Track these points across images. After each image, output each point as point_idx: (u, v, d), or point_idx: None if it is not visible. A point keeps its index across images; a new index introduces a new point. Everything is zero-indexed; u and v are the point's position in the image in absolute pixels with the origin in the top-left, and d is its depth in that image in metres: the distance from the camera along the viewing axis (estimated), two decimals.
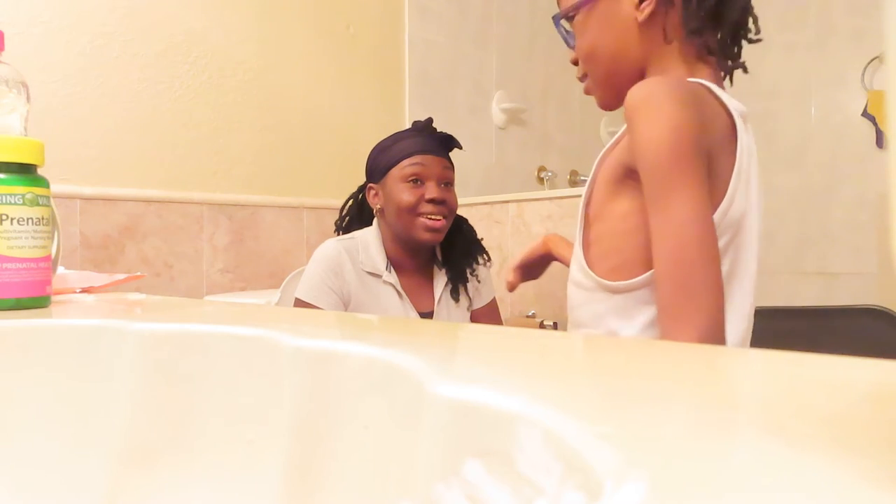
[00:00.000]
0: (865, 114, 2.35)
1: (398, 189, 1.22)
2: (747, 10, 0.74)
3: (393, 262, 1.27)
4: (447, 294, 1.30)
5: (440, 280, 1.30)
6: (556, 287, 1.70)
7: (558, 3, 0.81)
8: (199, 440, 0.37)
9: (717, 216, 0.65)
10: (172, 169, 1.74)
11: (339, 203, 1.42)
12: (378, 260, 1.25)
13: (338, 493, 0.29)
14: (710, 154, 0.65)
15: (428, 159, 1.23)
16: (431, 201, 1.20)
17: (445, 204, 1.23)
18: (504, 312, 1.74)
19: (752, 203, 0.70)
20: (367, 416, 0.29)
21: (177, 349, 0.38)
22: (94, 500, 0.38)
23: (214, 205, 1.80)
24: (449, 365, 0.27)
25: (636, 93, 0.64)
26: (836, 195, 2.42)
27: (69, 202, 1.55)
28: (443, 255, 1.33)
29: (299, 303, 1.20)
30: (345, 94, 2.10)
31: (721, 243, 0.65)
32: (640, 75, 0.76)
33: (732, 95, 0.73)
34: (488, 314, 1.37)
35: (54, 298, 0.60)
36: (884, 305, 1.42)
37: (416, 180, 1.22)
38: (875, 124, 2.34)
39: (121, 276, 0.76)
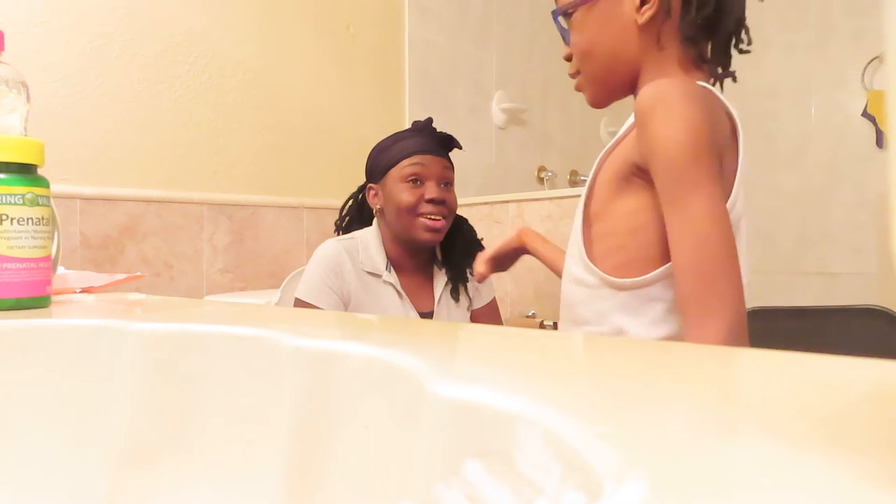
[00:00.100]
0: (865, 114, 2.35)
1: (398, 189, 1.22)
2: (741, 22, 0.75)
3: (393, 262, 1.27)
4: (447, 294, 1.30)
5: (440, 280, 1.30)
6: (556, 287, 1.70)
7: (557, 1, 0.81)
8: (199, 440, 0.37)
9: None
10: (172, 169, 1.74)
11: (339, 203, 1.42)
12: (378, 260, 1.25)
13: (338, 493, 0.29)
14: (720, 155, 0.67)
15: (428, 159, 1.23)
16: (431, 201, 1.20)
17: (445, 204, 1.23)
18: (504, 312, 1.74)
19: (744, 208, 0.71)
20: (367, 416, 0.29)
21: (177, 349, 0.38)
22: (94, 500, 0.38)
23: (214, 205, 1.80)
24: (449, 365, 0.27)
25: (650, 93, 0.66)
26: (836, 195, 2.42)
27: (69, 202, 1.55)
28: (443, 255, 1.33)
29: (299, 303, 1.20)
30: (345, 94, 2.10)
31: None
32: (634, 77, 0.77)
33: (734, 95, 0.74)
34: (488, 314, 1.37)
35: (54, 298, 0.60)
36: (884, 305, 1.42)
37: (416, 180, 1.22)
38: (875, 124, 2.34)
39: (121, 276, 0.76)
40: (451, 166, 1.27)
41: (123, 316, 0.44)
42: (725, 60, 0.77)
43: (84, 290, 0.70)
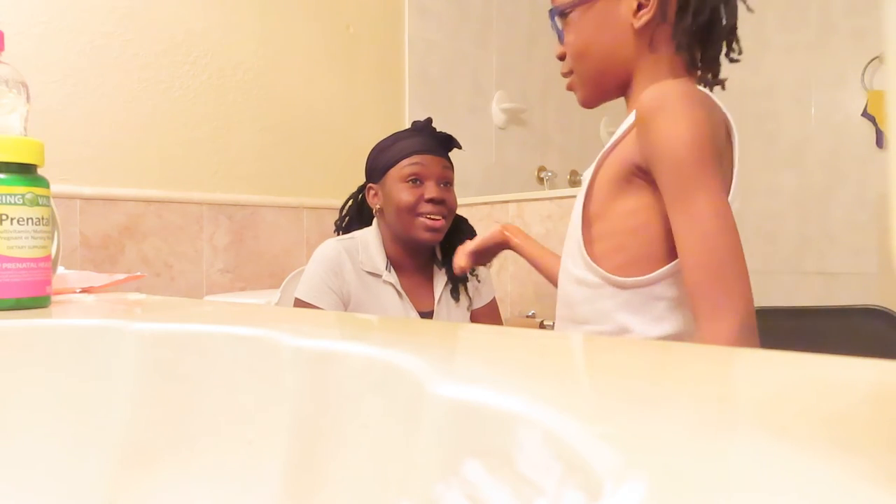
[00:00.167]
0: (865, 114, 2.35)
1: (397, 189, 1.22)
2: (734, 31, 0.77)
3: (393, 262, 1.27)
4: (447, 294, 1.30)
5: (440, 280, 1.30)
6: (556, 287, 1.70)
7: (553, 0, 0.82)
8: (199, 440, 0.37)
9: None
10: (172, 169, 1.74)
11: (339, 203, 1.42)
12: (378, 260, 1.25)
13: (338, 493, 0.29)
14: (720, 156, 0.68)
15: (427, 159, 1.23)
16: (431, 201, 1.21)
17: (445, 204, 1.23)
18: (504, 312, 1.74)
19: (740, 208, 0.72)
20: (367, 415, 0.29)
21: (177, 349, 0.38)
22: (94, 500, 0.38)
23: (214, 205, 1.80)
24: (449, 365, 0.27)
25: (653, 95, 0.67)
26: (836, 195, 2.42)
27: (69, 202, 1.55)
28: (443, 254, 1.33)
29: (299, 303, 1.20)
30: (345, 94, 2.10)
31: None
32: (627, 79, 0.78)
33: (734, 95, 0.75)
34: (488, 314, 1.37)
35: (54, 298, 0.60)
36: (884, 305, 1.42)
37: (416, 180, 1.22)
38: (875, 124, 2.34)
39: (121, 276, 0.76)
40: (450, 166, 1.27)
41: (123, 316, 0.44)
42: (716, 68, 0.79)
43: (84, 290, 0.70)
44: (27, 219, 0.52)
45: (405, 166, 1.22)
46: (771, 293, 2.34)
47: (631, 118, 0.74)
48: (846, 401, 0.22)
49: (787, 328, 1.49)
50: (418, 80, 2.27)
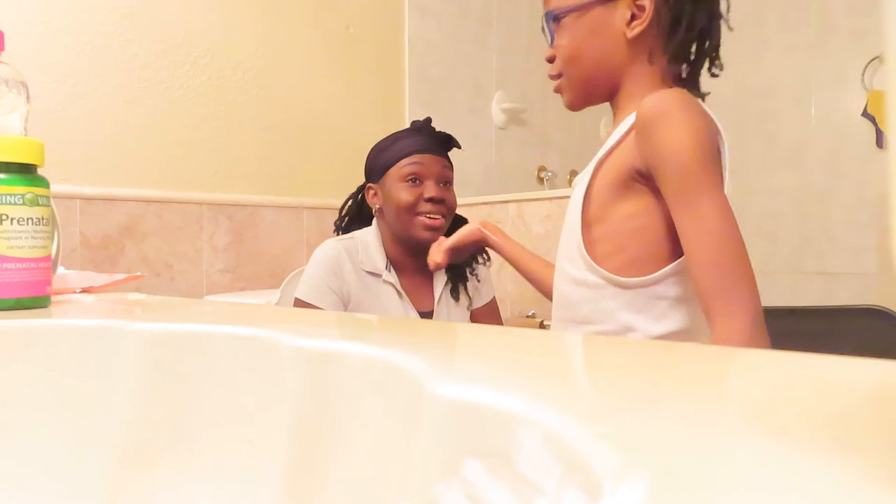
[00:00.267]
0: (865, 114, 2.35)
1: (397, 188, 1.22)
2: (717, 48, 0.79)
3: (393, 262, 1.27)
4: (447, 293, 1.30)
5: (440, 279, 1.30)
6: None
7: (547, 3, 0.82)
8: (199, 440, 0.37)
9: None
10: (172, 169, 1.74)
11: (339, 203, 1.42)
12: (378, 259, 1.25)
13: (338, 493, 0.29)
14: (719, 162, 0.72)
15: (426, 158, 1.23)
16: (430, 200, 1.21)
17: (444, 203, 1.23)
18: (504, 312, 1.74)
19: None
20: (367, 416, 0.29)
21: (177, 349, 0.38)
22: (94, 500, 0.38)
23: (214, 205, 1.80)
24: (449, 365, 0.27)
25: (655, 102, 0.69)
26: (836, 195, 2.41)
27: (69, 202, 1.55)
28: None
29: (299, 303, 1.20)
30: (345, 94, 2.10)
31: None
32: (615, 86, 0.80)
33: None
34: (488, 313, 1.37)
35: (54, 298, 0.60)
36: (884, 305, 1.42)
37: (415, 179, 1.22)
38: (875, 124, 2.33)
39: (121, 276, 0.76)
40: (450, 165, 1.28)
41: (123, 316, 0.44)
42: (697, 82, 0.82)
43: (84, 290, 0.70)
44: (27, 219, 0.52)
45: (404, 166, 1.22)
46: (771, 293, 2.33)
47: (625, 123, 0.76)
48: (846, 401, 0.22)
49: (787, 328, 1.49)
50: (418, 80, 2.27)
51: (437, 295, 1.29)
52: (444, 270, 1.31)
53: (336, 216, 1.40)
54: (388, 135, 1.30)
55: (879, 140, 2.33)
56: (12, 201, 0.51)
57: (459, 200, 1.32)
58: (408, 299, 1.25)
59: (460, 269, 1.32)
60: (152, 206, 1.69)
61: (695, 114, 0.69)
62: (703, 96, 0.81)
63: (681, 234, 0.69)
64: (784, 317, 1.51)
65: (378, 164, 1.26)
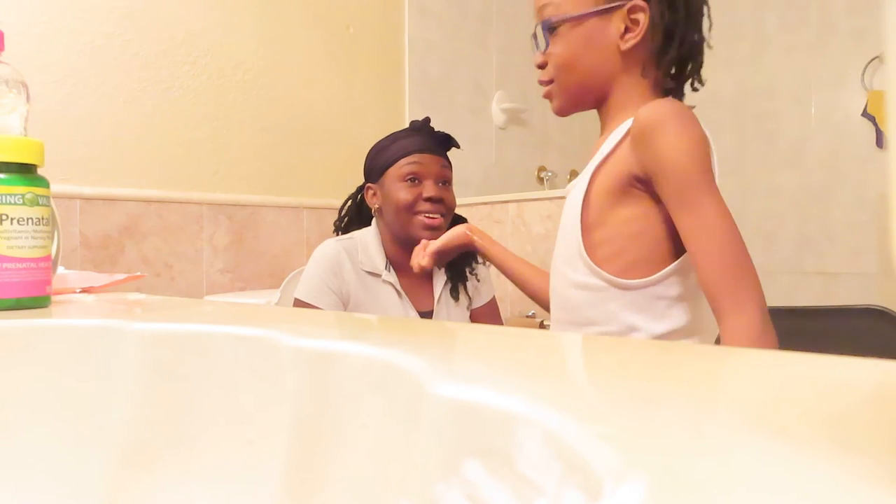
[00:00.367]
0: (865, 114, 2.35)
1: (396, 188, 1.22)
2: (700, 66, 0.83)
3: (392, 262, 1.27)
4: (447, 293, 1.30)
5: (440, 279, 1.30)
6: None
7: (541, 10, 0.83)
8: (199, 440, 0.37)
9: None
10: (172, 169, 1.74)
11: (339, 203, 1.42)
12: (377, 259, 1.25)
13: (338, 493, 0.29)
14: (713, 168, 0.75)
15: (425, 158, 1.23)
16: (429, 200, 1.21)
17: (443, 202, 1.23)
18: (504, 312, 1.74)
19: None
20: (367, 416, 0.29)
21: (177, 349, 0.38)
22: (94, 500, 0.38)
23: (214, 205, 1.80)
24: (449, 365, 0.27)
25: (653, 111, 0.72)
26: (836, 195, 2.41)
27: (69, 202, 1.55)
28: None
29: (299, 303, 1.20)
30: (345, 94, 2.10)
31: None
32: (604, 94, 0.83)
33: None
34: (488, 313, 1.37)
35: (54, 298, 0.60)
36: (884, 305, 1.42)
37: (414, 179, 1.22)
38: (875, 124, 2.34)
39: (121, 276, 0.76)
40: (448, 165, 1.28)
41: (123, 316, 0.44)
42: (681, 95, 0.85)
43: (84, 290, 0.70)
44: (27, 219, 0.52)
45: (403, 165, 1.22)
46: (771, 293, 2.33)
47: (619, 131, 0.78)
48: (846, 401, 0.22)
49: (787, 328, 1.49)
50: (418, 80, 2.27)
51: (436, 295, 1.29)
52: (443, 270, 1.31)
53: (336, 216, 1.40)
54: (386, 135, 1.30)
55: (879, 140, 2.33)
56: (12, 201, 0.51)
57: (459, 200, 1.32)
58: (407, 299, 1.25)
59: (460, 269, 1.32)
60: (152, 206, 1.69)
61: (690, 123, 0.73)
62: (690, 108, 0.84)
63: (684, 236, 0.72)
64: (784, 317, 1.51)
65: (377, 164, 1.27)
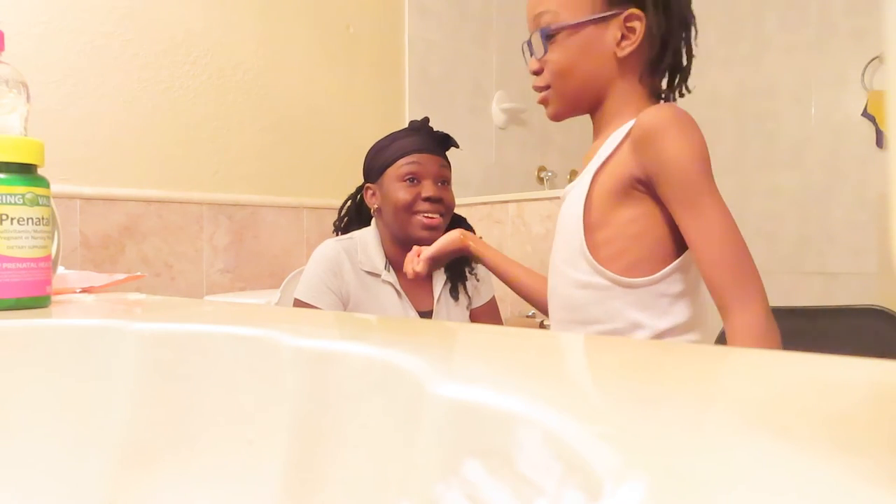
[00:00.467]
0: (865, 114, 2.35)
1: (395, 188, 1.22)
2: (688, 75, 0.86)
3: (392, 262, 1.27)
4: (446, 293, 1.30)
5: (439, 279, 1.30)
6: None
7: (537, 18, 0.84)
8: (199, 440, 0.37)
9: None
10: (172, 169, 1.74)
11: (339, 203, 1.42)
12: (377, 259, 1.25)
13: (338, 493, 0.29)
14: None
15: (424, 158, 1.23)
16: (428, 199, 1.21)
17: (442, 202, 1.23)
18: (504, 312, 1.74)
19: None
20: (367, 416, 0.29)
21: (177, 349, 0.38)
22: (94, 501, 0.38)
23: (214, 205, 1.80)
24: (449, 365, 0.27)
25: (654, 117, 0.74)
26: (836, 195, 2.41)
27: (69, 202, 1.55)
28: None
29: (298, 303, 1.20)
30: (345, 94, 2.10)
31: None
32: (600, 100, 0.85)
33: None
34: (488, 313, 1.37)
35: (54, 298, 0.60)
36: (884, 305, 1.42)
37: (413, 179, 1.22)
38: (875, 124, 2.33)
39: (121, 276, 0.76)
40: (447, 165, 1.28)
41: (123, 316, 0.44)
42: (673, 100, 0.87)
43: (84, 290, 0.70)
44: (27, 219, 0.52)
45: (402, 165, 1.22)
46: (771, 293, 2.33)
47: (617, 135, 0.79)
48: (846, 401, 0.22)
49: (787, 328, 1.48)
50: (418, 80, 2.27)
51: (436, 294, 1.29)
52: (443, 270, 1.31)
53: (336, 216, 1.40)
54: (386, 135, 1.30)
55: (879, 140, 2.33)
56: (12, 201, 0.51)
57: (459, 200, 1.32)
58: (407, 299, 1.25)
59: (459, 269, 1.32)
60: (152, 206, 1.69)
61: (691, 128, 0.75)
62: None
63: (687, 237, 0.74)
64: (784, 317, 1.51)
65: (376, 164, 1.27)
